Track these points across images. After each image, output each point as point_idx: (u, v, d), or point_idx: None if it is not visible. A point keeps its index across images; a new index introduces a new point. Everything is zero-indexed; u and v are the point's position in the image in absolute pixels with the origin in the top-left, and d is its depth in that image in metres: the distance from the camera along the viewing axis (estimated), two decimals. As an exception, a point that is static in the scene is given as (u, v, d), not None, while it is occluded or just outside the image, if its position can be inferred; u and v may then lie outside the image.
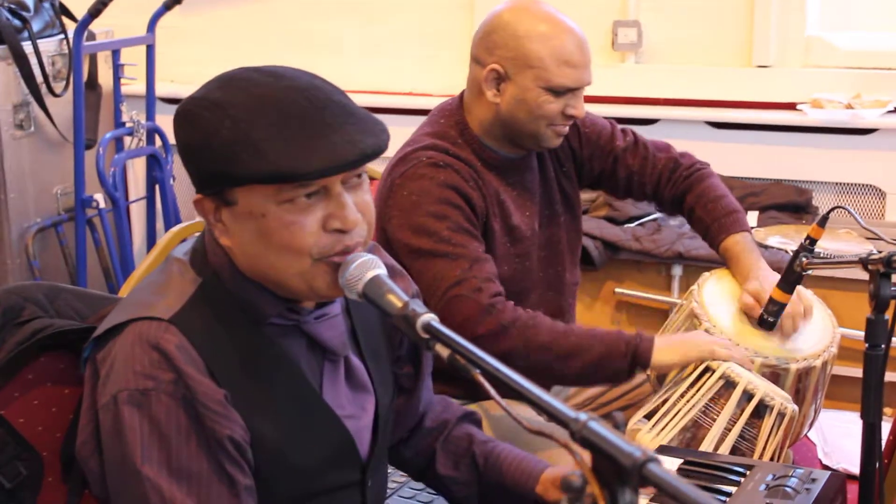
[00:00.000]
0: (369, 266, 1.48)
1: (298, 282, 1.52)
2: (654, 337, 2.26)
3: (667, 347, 2.24)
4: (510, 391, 1.25)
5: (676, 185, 2.59)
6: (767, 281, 2.37)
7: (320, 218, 1.49)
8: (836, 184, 3.86)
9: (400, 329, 1.39)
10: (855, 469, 2.46)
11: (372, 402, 1.69)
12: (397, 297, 1.42)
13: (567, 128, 2.40)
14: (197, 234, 2.51)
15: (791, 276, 2.27)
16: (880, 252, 1.95)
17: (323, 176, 1.47)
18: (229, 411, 1.49)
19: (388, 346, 1.76)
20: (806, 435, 2.49)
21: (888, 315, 1.79)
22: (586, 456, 1.03)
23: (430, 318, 1.35)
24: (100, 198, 4.07)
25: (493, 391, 1.26)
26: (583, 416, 1.02)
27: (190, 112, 1.51)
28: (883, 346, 1.78)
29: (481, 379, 1.29)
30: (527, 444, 1.99)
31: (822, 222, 2.23)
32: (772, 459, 2.15)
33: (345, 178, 1.50)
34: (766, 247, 3.14)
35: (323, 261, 1.50)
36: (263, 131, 1.45)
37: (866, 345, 1.81)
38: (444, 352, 1.33)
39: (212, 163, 1.48)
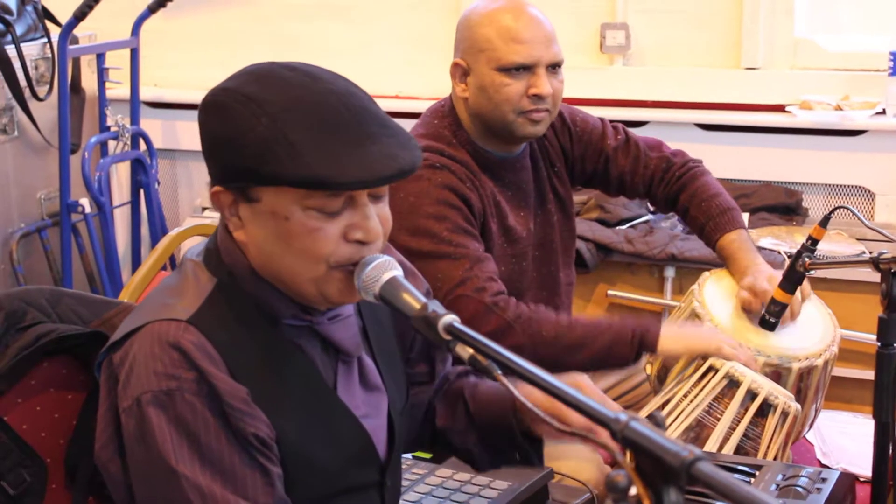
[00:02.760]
0: (386, 267, 1.46)
1: (310, 287, 1.50)
2: (661, 324, 2.25)
3: (673, 336, 2.23)
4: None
5: (670, 185, 2.58)
6: (763, 275, 2.36)
7: (343, 227, 1.47)
8: (826, 185, 3.85)
9: (419, 331, 1.37)
10: (854, 469, 2.47)
11: (385, 402, 1.67)
12: (415, 298, 1.40)
13: (541, 113, 2.35)
14: (196, 237, 2.51)
15: (793, 277, 2.27)
16: (871, 252, 1.97)
17: (358, 188, 1.45)
18: (253, 409, 1.47)
19: (400, 346, 1.74)
20: (804, 436, 2.49)
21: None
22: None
23: (451, 318, 1.33)
24: (85, 202, 4.04)
25: (516, 391, 1.25)
26: (623, 415, 1.00)
27: (222, 103, 1.47)
28: (896, 344, 1.78)
29: (504, 379, 1.27)
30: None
31: (825, 223, 2.24)
32: (774, 459, 2.14)
33: (373, 190, 1.48)
34: (758, 248, 3.14)
35: (337, 269, 1.49)
36: (301, 134, 1.42)
37: (878, 344, 1.81)
38: (464, 353, 1.31)
39: (242, 158, 1.45)
